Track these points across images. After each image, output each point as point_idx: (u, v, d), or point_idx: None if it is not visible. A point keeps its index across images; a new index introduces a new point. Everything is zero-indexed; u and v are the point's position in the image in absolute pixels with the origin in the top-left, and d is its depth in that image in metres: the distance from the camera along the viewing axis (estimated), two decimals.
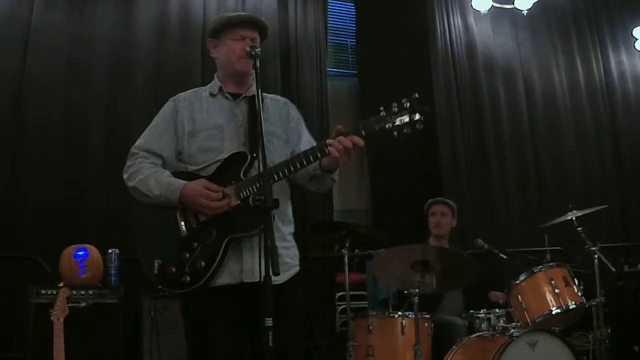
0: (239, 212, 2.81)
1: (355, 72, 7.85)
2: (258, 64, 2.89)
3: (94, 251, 4.70)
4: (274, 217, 2.73)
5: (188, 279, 2.81)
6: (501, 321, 4.53)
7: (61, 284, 4.41)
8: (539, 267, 4.55)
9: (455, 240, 5.60)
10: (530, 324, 4.35)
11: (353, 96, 7.79)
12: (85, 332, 4.11)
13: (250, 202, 2.78)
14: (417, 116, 2.69)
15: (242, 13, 3.55)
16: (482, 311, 4.65)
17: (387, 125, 2.72)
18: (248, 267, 2.79)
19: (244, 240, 2.81)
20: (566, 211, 5.13)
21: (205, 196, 2.81)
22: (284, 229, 3.03)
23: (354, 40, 7.95)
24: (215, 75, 3.22)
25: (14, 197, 5.45)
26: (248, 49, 2.93)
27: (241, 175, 2.86)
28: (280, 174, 2.82)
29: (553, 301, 4.40)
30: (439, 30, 7.46)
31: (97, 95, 5.90)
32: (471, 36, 7.65)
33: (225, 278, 2.82)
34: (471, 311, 4.73)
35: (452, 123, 7.25)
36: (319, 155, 2.81)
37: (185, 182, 2.88)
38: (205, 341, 2.82)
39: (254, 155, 2.80)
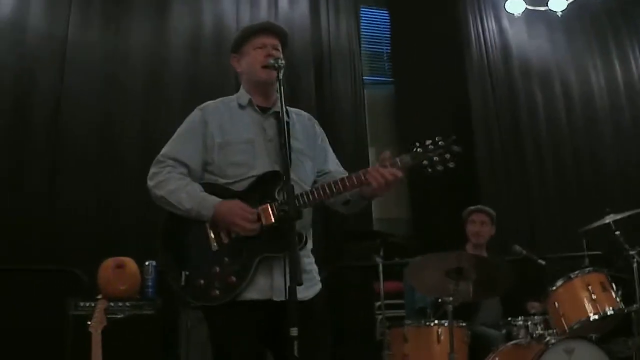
0: (272, 231, 2.80)
1: (392, 79, 7.83)
2: (281, 76, 2.87)
3: (131, 263, 4.79)
4: (305, 236, 2.84)
5: (218, 292, 2.80)
6: (539, 328, 4.46)
7: (99, 296, 4.47)
8: (576, 272, 4.49)
9: (493, 246, 5.53)
10: (567, 331, 4.29)
11: (390, 104, 7.76)
12: (122, 344, 4.16)
13: (275, 212, 2.79)
14: (450, 155, 2.73)
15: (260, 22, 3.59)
16: (519, 318, 4.59)
17: (423, 162, 2.75)
18: (277, 285, 2.76)
19: (275, 259, 2.80)
20: (604, 214, 5.05)
21: (241, 216, 2.80)
22: (309, 244, 3.03)
23: (389, 48, 7.93)
24: (242, 87, 3.19)
25: (52, 209, 5.55)
26: (272, 61, 2.91)
27: (275, 194, 2.84)
28: (317, 197, 2.82)
29: (590, 307, 4.34)
30: (473, 35, 7.45)
31: (133, 110, 6.01)
32: (506, 39, 7.60)
33: (252, 293, 2.81)
34: (509, 318, 4.67)
35: (489, 127, 7.20)
36: (356, 183, 2.81)
37: (219, 199, 2.87)
38: (229, 352, 2.82)
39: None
